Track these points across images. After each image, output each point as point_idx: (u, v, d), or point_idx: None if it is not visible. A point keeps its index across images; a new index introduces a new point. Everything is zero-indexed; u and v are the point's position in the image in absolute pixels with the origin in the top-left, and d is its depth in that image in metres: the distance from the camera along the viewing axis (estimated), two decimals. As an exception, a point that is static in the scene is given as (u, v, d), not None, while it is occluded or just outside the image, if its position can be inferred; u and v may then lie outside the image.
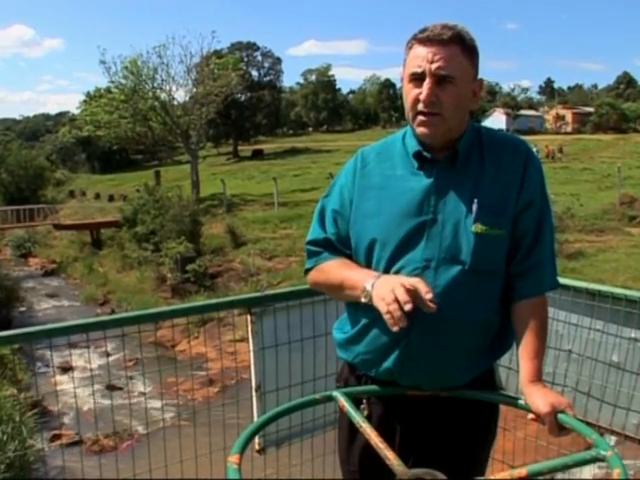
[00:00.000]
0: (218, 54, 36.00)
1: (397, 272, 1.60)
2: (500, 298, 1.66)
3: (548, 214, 1.69)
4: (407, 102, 1.63)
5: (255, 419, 2.53)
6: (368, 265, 1.67)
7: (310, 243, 1.81)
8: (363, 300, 1.57)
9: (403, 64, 1.64)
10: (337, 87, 76.20)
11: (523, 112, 65.25)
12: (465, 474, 1.68)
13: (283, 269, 18.82)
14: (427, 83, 1.57)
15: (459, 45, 1.57)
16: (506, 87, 78.98)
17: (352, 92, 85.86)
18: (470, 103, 1.65)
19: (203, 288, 18.71)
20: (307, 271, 1.82)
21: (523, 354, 1.61)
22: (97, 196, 40.01)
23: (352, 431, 1.67)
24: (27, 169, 36.92)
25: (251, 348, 2.64)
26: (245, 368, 2.90)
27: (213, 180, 33.46)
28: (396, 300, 1.45)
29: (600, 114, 58.50)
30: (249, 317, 2.63)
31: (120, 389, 9.68)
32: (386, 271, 1.62)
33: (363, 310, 1.67)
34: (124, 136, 33.69)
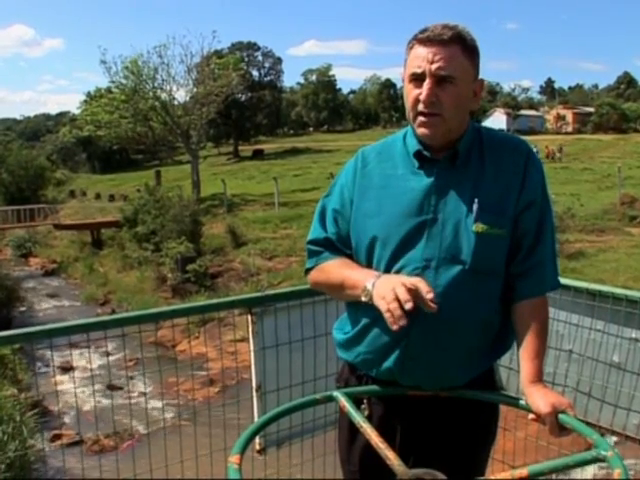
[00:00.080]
0: (219, 54, 36.03)
1: (398, 272, 1.60)
2: (500, 298, 1.66)
3: (549, 214, 1.69)
4: (407, 102, 1.63)
5: (256, 419, 2.53)
6: (369, 265, 1.67)
7: (311, 243, 1.81)
8: (364, 299, 1.57)
9: (404, 64, 1.64)
10: (338, 87, 76.22)
11: (523, 112, 65.22)
12: (465, 474, 1.68)
13: (283, 269, 18.83)
14: (427, 83, 1.57)
15: (459, 45, 1.57)
16: (506, 87, 79.08)
17: (352, 92, 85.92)
18: (471, 103, 1.65)
19: (203, 288, 18.72)
20: (307, 271, 1.82)
21: (524, 354, 1.61)
22: (97, 196, 40.02)
23: (352, 431, 1.67)
24: (28, 169, 36.92)
25: (252, 348, 2.64)
26: (246, 368, 2.90)
27: (214, 180, 33.46)
28: (397, 299, 1.44)
29: (600, 114, 58.47)
30: (250, 317, 2.63)
31: (120, 389, 9.70)
32: (387, 271, 1.62)
33: (363, 310, 1.67)
34: (124, 136, 33.72)
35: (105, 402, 7.80)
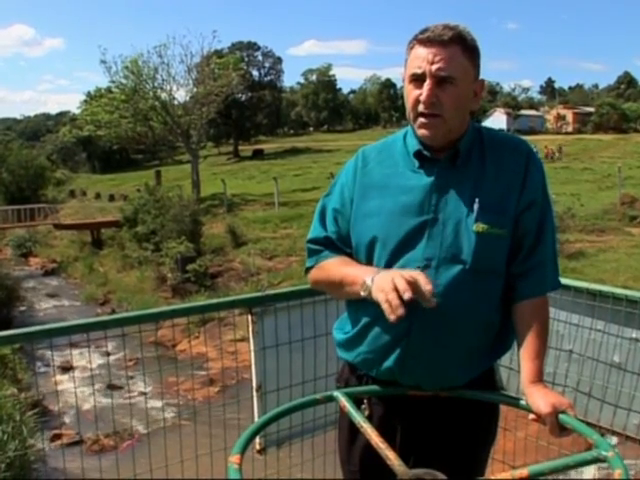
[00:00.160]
0: (219, 54, 36.02)
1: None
2: (501, 298, 1.66)
3: (550, 214, 1.69)
4: (408, 103, 1.63)
5: (256, 419, 2.53)
6: (369, 264, 1.67)
7: (311, 241, 1.81)
8: (362, 294, 1.56)
9: (404, 64, 1.64)
10: (338, 87, 76.28)
11: (524, 112, 65.22)
12: (465, 474, 1.68)
13: (283, 269, 18.83)
14: (427, 84, 1.57)
15: (460, 46, 1.57)
16: (507, 87, 79.07)
17: (353, 92, 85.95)
18: (471, 103, 1.65)
19: (203, 288, 18.72)
20: (308, 270, 1.82)
21: (524, 354, 1.61)
22: (97, 196, 40.04)
23: (353, 431, 1.67)
24: (28, 169, 36.92)
25: (252, 348, 2.64)
26: (246, 368, 2.90)
27: (214, 180, 33.47)
28: (395, 289, 1.43)
29: (601, 114, 58.48)
30: (250, 317, 2.63)
31: (120, 389, 9.70)
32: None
33: (364, 310, 1.67)
34: (125, 136, 33.72)
35: (105, 402, 7.81)
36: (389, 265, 1.62)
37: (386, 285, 1.45)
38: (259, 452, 2.65)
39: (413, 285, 1.43)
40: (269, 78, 60.43)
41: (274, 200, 26.91)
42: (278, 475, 2.76)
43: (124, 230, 23.50)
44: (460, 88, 1.58)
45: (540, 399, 1.51)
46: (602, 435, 1.68)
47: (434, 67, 1.55)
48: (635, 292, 2.68)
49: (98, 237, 26.78)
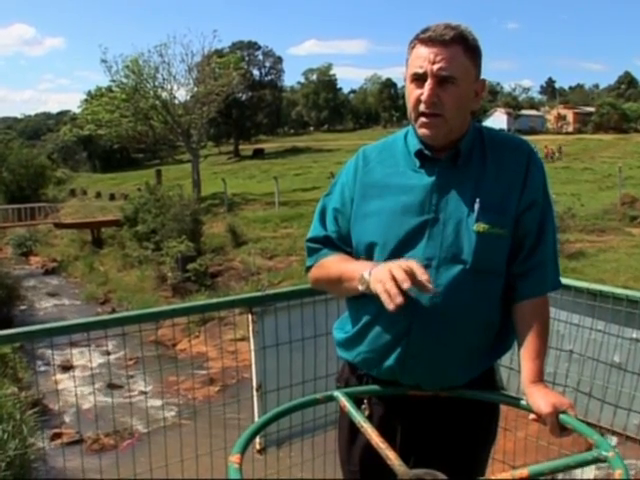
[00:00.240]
0: (219, 53, 36.03)
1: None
2: (501, 298, 1.66)
3: (550, 214, 1.69)
4: (409, 102, 1.63)
5: (256, 419, 2.53)
6: (369, 263, 1.67)
7: (310, 240, 1.81)
8: (360, 288, 1.56)
9: (405, 64, 1.64)
10: (338, 86, 76.31)
11: (524, 112, 65.25)
12: (466, 474, 1.68)
13: (284, 268, 18.83)
14: (428, 84, 1.56)
15: (461, 45, 1.57)
16: (507, 87, 79.06)
17: (353, 91, 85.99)
18: (472, 103, 1.65)
19: (204, 287, 18.72)
20: (308, 269, 1.82)
21: (525, 354, 1.60)
22: (98, 195, 40.06)
23: (353, 431, 1.67)
24: (28, 168, 36.94)
25: (252, 347, 2.64)
26: (246, 367, 2.90)
27: (214, 179, 33.47)
28: (393, 279, 1.43)
29: (601, 114, 58.50)
30: (250, 316, 2.63)
31: (121, 388, 9.69)
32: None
33: (364, 309, 1.67)
34: (125, 135, 33.71)
35: (105, 401, 7.80)
36: (389, 264, 1.62)
37: (384, 276, 1.45)
38: (259, 452, 2.66)
39: (410, 275, 1.43)
40: (270, 78, 60.47)
41: (274, 200, 26.91)
42: (278, 475, 2.76)
43: (124, 229, 23.52)
44: (461, 88, 1.58)
45: (541, 399, 1.51)
46: (602, 435, 1.68)
47: (435, 67, 1.55)
48: (635, 292, 2.68)
49: (98, 236, 26.79)
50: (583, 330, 2.78)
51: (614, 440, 2.70)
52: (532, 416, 1.54)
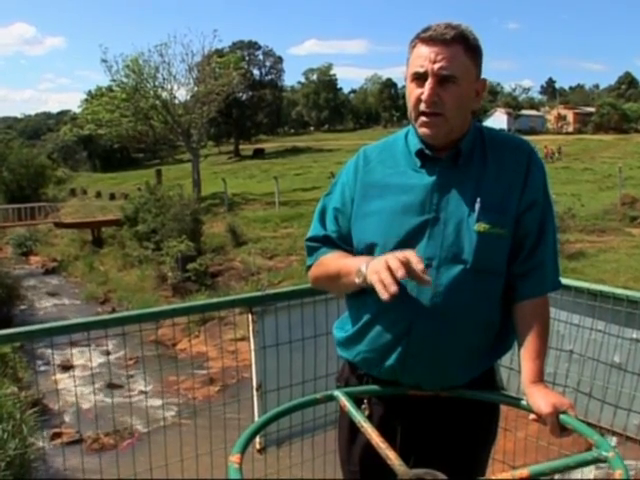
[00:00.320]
0: (219, 53, 36.03)
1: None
2: (501, 297, 1.66)
3: (551, 214, 1.69)
4: (409, 102, 1.63)
5: (256, 418, 2.53)
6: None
7: (310, 240, 1.81)
8: (357, 281, 1.56)
9: (406, 63, 1.64)
10: (338, 86, 76.32)
11: (524, 112, 65.24)
12: (466, 474, 1.68)
13: (284, 268, 18.83)
14: (429, 83, 1.56)
15: (462, 45, 1.57)
16: (507, 87, 79.03)
17: (353, 91, 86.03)
18: (472, 103, 1.65)
19: (204, 287, 18.73)
20: (309, 268, 1.82)
21: (525, 354, 1.60)
22: (98, 194, 40.07)
23: (353, 431, 1.67)
24: (28, 167, 36.92)
25: (252, 347, 2.64)
26: (246, 367, 2.90)
27: (214, 179, 33.47)
28: (388, 269, 1.43)
29: (601, 114, 58.52)
30: (250, 316, 2.63)
31: (121, 387, 9.69)
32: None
33: (365, 308, 1.67)
34: (125, 135, 33.73)
35: (105, 400, 7.80)
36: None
37: (379, 266, 1.45)
38: (259, 451, 2.65)
39: (406, 265, 1.43)
40: (270, 77, 60.50)
41: (275, 199, 26.92)
42: (278, 475, 2.76)
43: (125, 229, 23.52)
44: (462, 87, 1.58)
45: (541, 399, 1.50)
46: (602, 435, 1.68)
47: (436, 66, 1.55)
48: (636, 292, 2.68)
49: (99, 236, 26.79)
50: (583, 330, 2.78)
51: (614, 440, 2.71)
52: (532, 416, 1.53)
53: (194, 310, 2.85)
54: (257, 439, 2.61)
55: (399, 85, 71.76)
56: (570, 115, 66.05)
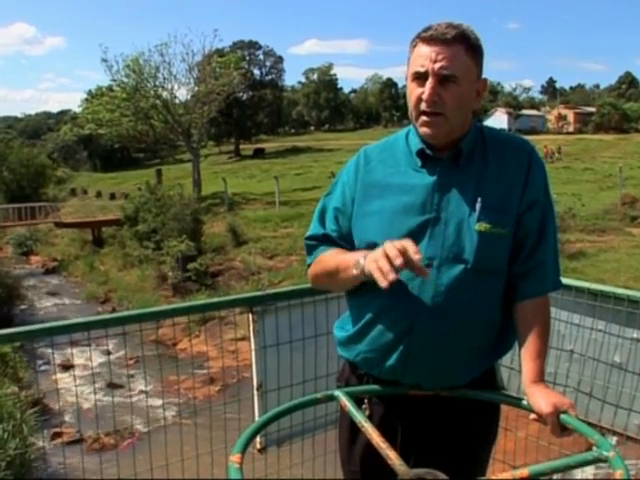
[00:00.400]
0: (220, 53, 36.04)
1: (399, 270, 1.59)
2: (502, 297, 1.66)
3: (551, 214, 1.68)
4: (410, 101, 1.63)
5: (256, 418, 2.53)
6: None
7: (309, 238, 1.81)
8: (355, 272, 1.56)
9: (407, 62, 1.64)
10: (339, 86, 76.32)
11: (525, 112, 65.26)
12: (466, 474, 1.68)
13: (284, 268, 18.83)
14: (430, 83, 1.56)
15: (463, 44, 1.57)
16: (508, 87, 79.01)
17: (354, 91, 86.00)
18: (473, 103, 1.64)
19: (204, 287, 18.73)
20: (309, 267, 1.82)
21: (525, 354, 1.60)
22: (98, 194, 40.07)
23: (353, 431, 1.67)
24: (29, 167, 36.96)
25: (252, 347, 2.64)
26: (246, 367, 2.90)
27: (214, 179, 33.47)
28: (386, 256, 1.44)
29: (602, 114, 58.52)
30: (251, 316, 2.63)
31: (121, 387, 9.69)
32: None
33: (365, 308, 1.67)
34: (126, 134, 33.72)
35: (105, 400, 7.80)
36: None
37: (377, 254, 1.46)
38: (260, 451, 2.65)
39: (404, 254, 1.43)
40: (270, 77, 60.49)
41: (275, 199, 26.91)
42: (278, 474, 2.76)
43: (125, 229, 23.53)
44: (463, 87, 1.57)
45: (541, 399, 1.50)
46: (603, 435, 1.68)
47: (437, 66, 1.55)
48: (636, 292, 2.68)
49: (99, 235, 26.79)
50: (584, 330, 2.78)
51: (614, 440, 2.70)
52: (533, 416, 1.53)
53: (194, 310, 2.85)
54: (257, 439, 2.61)
55: (399, 85, 71.82)
56: (571, 115, 66.05)
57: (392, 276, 1.41)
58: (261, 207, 27.75)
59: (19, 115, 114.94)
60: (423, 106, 1.59)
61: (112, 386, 8.21)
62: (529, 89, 78.34)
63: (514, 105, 65.02)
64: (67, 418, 9.87)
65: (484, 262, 1.59)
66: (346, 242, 1.73)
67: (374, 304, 1.63)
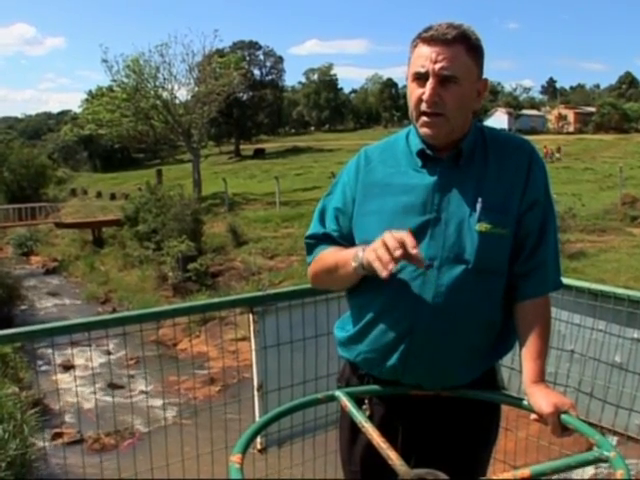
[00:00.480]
0: (220, 53, 36.03)
1: (399, 270, 1.59)
2: (503, 297, 1.66)
3: (552, 214, 1.68)
4: (411, 101, 1.63)
5: (257, 418, 2.53)
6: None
7: (309, 237, 1.81)
8: (353, 264, 1.57)
9: (408, 63, 1.64)
10: (339, 86, 76.33)
11: (525, 112, 65.31)
12: (467, 474, 1.68)
13: (284, 268, 18.82)
14: (430, 83, 1.56)
15: (463, 45, 1.56)
16: (508, 87, 79.07)
17: (354, 91, 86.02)
18: (474, 103, 1.64)
19: (204, 287, 18.72)
20: (309, 266, 1.82)
21: (526, 354, 1.60)
22: (99, 194, 40.09)
23: (354, 431, 1.67)
24: (29, 167, 36.96)
25: (253, 347, 2.64)
26: (247, 367, 2.90)
27: (215, 179, 33.46)
28: (385, 246, 1.44)
29: (602, 114, 58.54)
30: (251, 316, 2.63)
31: (121, 387, 9.69)
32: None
33: (366, 308, 1.67)
34: (126, 135, 33.72)
35: (106, 400, 7.80)
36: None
37: (376, 244, 1.47)
38: (260, 451, 2.65)
39: (402, 245, 1.43)
40: (270, 77, 60.51)
41: (275, 199, 26.90)
42: (279, 475, 2.76)
43: (125, 229, 23.52)
44: (463, 87, 1.57)
45: (542, 399, 1.50)
46: (603, 435, 1.68)
47: (437, 66, 1.55)
48: (637, 292, 2.68)
49: (99, 236, 26.79)
50: (584, 330, 2.78)
51: (615, 440, 2.70)
52: (533, 416, 1.53)
53: (195, 310, 2.85)
54: (258, 439, 2.60)
55: (400, 85, 71.83)
56: (571, 115, 66.07)
57: (392, 266, 1.42)
58: (261, 207, 27.75)
59: (19, 115, 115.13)
60: (424, 106, 1.59)
61: (112, 386, 8.21)
62: (529, 89, 78.64)
63: (514, 105, 65.09)
64: (67, 418, 9.87)
65: (485, 262, 1.59)
66: (347, 242, 1.73)
67: (375, 304, 1.63)
